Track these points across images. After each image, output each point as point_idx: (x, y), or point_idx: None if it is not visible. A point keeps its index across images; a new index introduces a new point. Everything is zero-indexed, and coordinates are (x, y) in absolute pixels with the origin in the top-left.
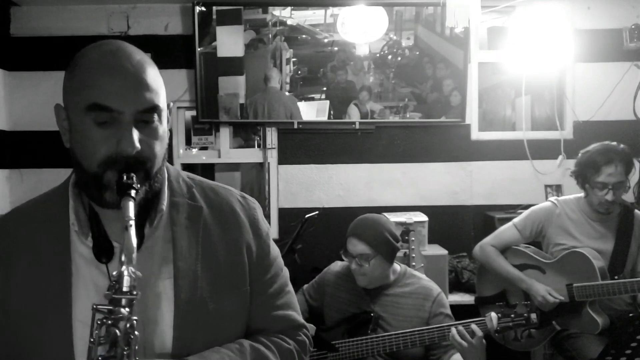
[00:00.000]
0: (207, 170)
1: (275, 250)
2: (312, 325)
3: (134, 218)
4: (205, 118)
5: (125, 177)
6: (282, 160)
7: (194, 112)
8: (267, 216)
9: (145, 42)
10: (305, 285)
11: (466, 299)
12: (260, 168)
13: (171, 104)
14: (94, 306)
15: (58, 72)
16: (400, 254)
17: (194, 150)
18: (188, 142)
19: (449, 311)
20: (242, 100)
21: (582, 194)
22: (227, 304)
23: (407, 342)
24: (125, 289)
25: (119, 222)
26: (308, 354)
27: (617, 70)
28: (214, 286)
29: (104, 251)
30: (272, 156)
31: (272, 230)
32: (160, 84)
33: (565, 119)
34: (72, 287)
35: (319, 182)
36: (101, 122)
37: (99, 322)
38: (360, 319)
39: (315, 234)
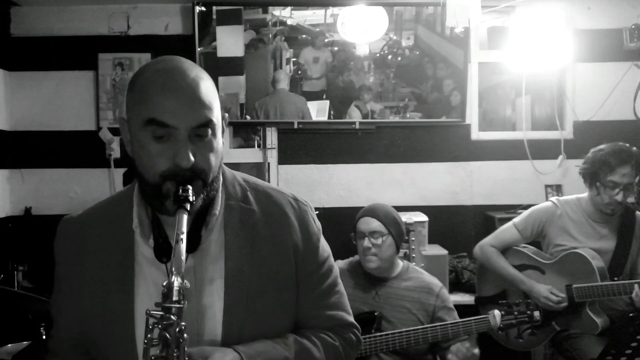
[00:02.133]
0: None
1: (325, 251)
2: None
3: (185, 232)
4: None
5: (181, 190)
6: (282, 160)
7: None
8: None
9: (145, 42)
10: None
11: (466, 299)
12: (260, 168)
13: (226, 115)
14: (148, 311)
15: (58, 72)
16: (400, 253)
17: None
18: None
19: (451, 305)
20: (242, 100)
21: (583, 195)
22: (274, 303)
23: (410, 340)
24: (174, 298)
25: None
26: (356, 352)
27: (617, 70)
28: (262, 285)
29: (164, 252)
30: (272, 156)
31: None
32: (215, 99)
33: (565, 119)
34: (135, 284)
35: (320, 182)
36: (158, 137)
37: (151, 327)
38: (364, 319)
39: None
